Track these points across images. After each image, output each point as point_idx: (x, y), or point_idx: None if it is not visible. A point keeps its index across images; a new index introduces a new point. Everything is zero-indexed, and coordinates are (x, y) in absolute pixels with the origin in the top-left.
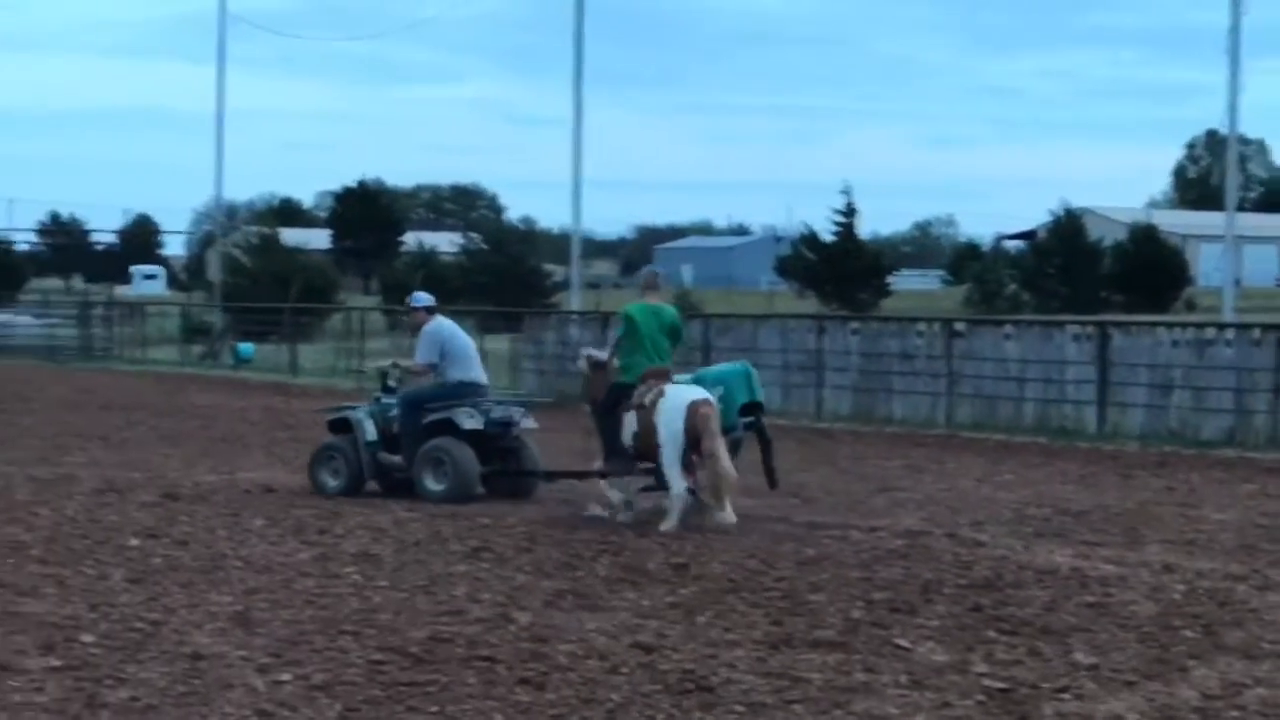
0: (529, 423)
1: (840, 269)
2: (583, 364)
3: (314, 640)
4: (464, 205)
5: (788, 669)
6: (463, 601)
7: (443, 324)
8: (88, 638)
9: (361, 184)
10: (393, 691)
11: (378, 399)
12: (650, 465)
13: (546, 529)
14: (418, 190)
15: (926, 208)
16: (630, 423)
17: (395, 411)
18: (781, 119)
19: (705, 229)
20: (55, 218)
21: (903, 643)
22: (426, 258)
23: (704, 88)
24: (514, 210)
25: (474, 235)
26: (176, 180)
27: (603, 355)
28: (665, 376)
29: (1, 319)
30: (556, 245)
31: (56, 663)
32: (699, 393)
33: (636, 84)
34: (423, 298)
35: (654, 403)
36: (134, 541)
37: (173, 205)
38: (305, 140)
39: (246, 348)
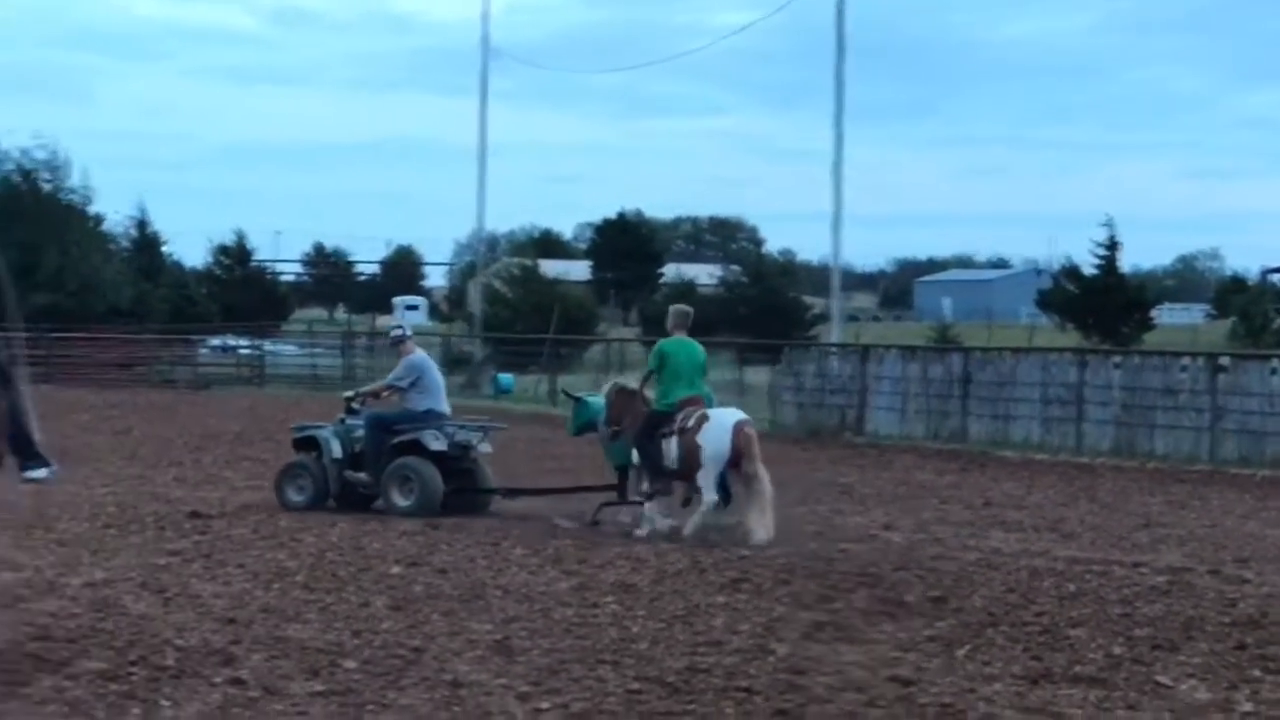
0: (485, 447)
1: (1102, 302)
2: (608, 389)
3: (572, 669)
4: (723, 237)
5: (1047, 704)
6: (720, 632)
7: (423, 356)
8: (350, 663)
9: (621, 215)
10: None
11: (342, 420)
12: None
13: (805, 561)
14: (677, 222)
15: (1190, 241)
16: (673, 446)
17: (361, 432)
18: (1041, 151)
19: (965, 262)
20: (320, 249)
21: (1165, 680)
22: (686, 289)
23: (963, 120)
24: (773, 242)
25: (734, 267)
26: (438, 212)
27: (632, 384)
28: (700, 403)
29: (268, 348)
30: (816, 277)
31: (320, 687)
32: (740, 415)
33: (895, 116)
34: (408, 330)
35: (697, 425)
36: (395, 569)
37: (434, 237)
38: (565, 172)
39: (507, 378)
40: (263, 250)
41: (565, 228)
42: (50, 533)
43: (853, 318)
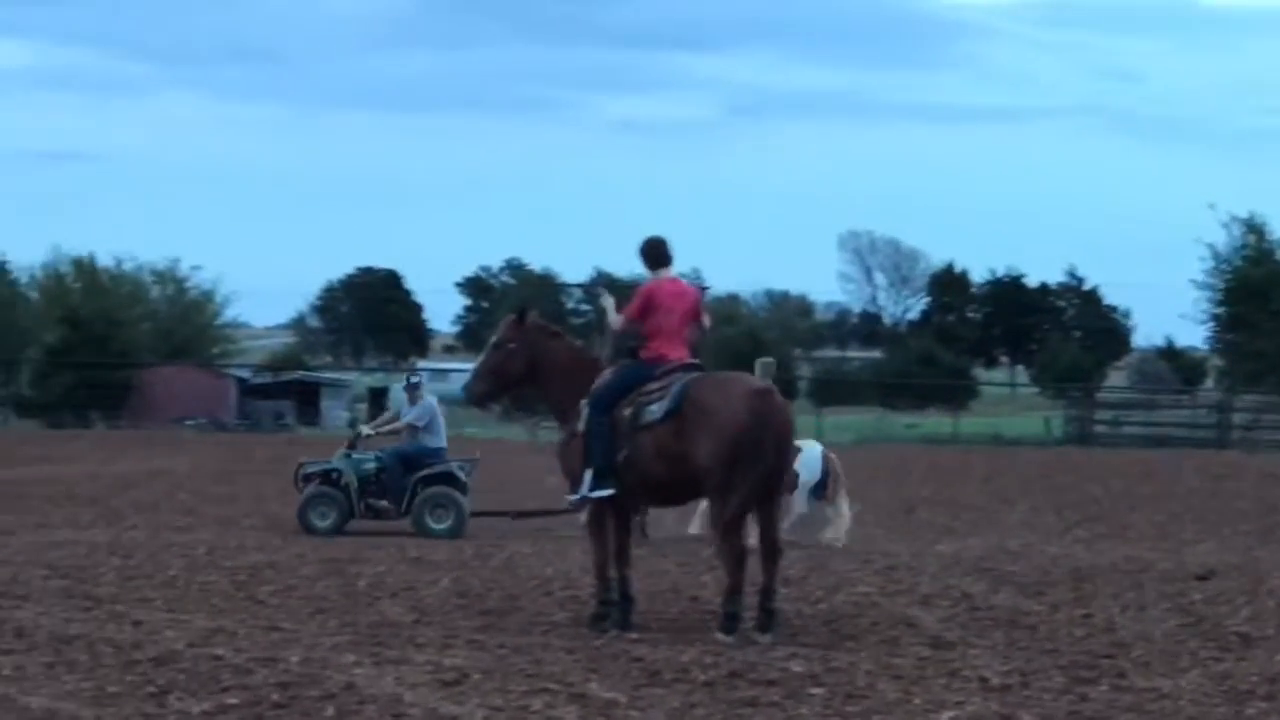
0: (470, 478)
1: None
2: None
3: None
4: None
5: None
6: None
7: (434, 401)
8: None
9: None
10: None
11: (347, 455)
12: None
13: None
14: None
15: None
16: None
17: (370, 465)
18: None
19: None
20: None
21: None
22: None
23: None
24: None
25: None
26: None
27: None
28: None
29: None
30: None
31: None
32: (820, 446)
33: None
34: (425, 378)
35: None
36: None
37: None
38: None
39: None
40: None
41: None
42: None
43: None
